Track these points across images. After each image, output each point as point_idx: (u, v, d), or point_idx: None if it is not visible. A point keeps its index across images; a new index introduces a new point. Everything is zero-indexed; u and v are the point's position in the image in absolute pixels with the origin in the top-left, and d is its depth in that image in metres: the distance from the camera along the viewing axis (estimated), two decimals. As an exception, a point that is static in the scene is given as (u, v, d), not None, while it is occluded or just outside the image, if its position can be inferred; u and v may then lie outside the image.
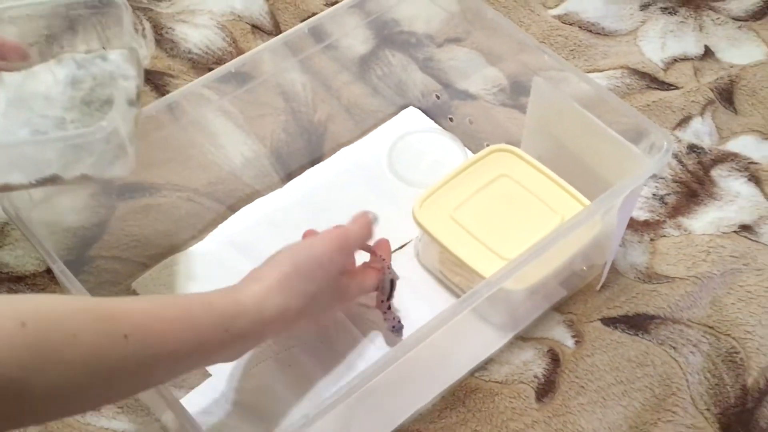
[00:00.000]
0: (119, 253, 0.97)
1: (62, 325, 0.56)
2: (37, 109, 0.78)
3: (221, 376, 0.88)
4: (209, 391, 0.88)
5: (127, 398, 0.69)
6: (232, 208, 1.03)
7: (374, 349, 0.91)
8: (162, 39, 1.19)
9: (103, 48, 0.82)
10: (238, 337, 0.69)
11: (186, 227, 1.00)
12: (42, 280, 0.96)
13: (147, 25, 1.21)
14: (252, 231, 1.01)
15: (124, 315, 0.61)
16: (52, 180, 0.76)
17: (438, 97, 1.11)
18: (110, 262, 0.96)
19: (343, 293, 0.83)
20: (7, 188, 0.77)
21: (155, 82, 1.14)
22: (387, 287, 0.89)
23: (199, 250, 0.99)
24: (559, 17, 1.25)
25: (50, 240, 0.89)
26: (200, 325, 0.66)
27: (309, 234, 0.88)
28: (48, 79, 0.79)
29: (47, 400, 0.55)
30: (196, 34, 1.20)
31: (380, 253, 0.89)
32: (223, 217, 1.02)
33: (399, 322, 0.89)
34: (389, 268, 0.89)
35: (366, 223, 0.85)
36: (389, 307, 0.89)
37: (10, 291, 0.94)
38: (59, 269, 0.79)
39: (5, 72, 0.79)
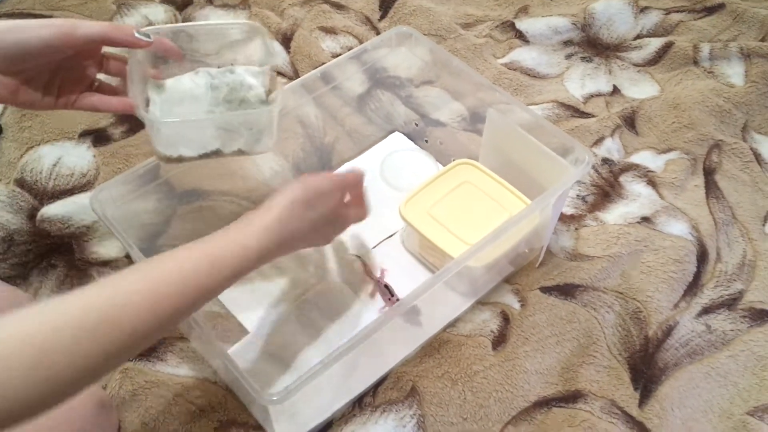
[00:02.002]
0: (180, 242, 0.95)
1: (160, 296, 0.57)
2: (187, 105, 0.78)
3: (257, 334, 0.87)
4: (248, 345, 0.86)
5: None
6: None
7: (370, 313, 0.90)
8: (210, 83, 1.17)
9: (231, 64, 0.80)
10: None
11: (230, 223, 0.99)
12: (122, 264, 0.94)
13: (199, 72, 1.19)
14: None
15: (179, 290, 0.59)
16: (216, 153, 0.77)
17: (416, 125, 1.10)
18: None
19: (342, 222, 0.77)
20: (180, 159, 0.76)
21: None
22: (385, 291, 0.89)
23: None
24: (505, 65, 1.24)
25: (128, 233, 0.88)
26: (223, 281, 0.63)
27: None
28: (191, 84, 0.78)
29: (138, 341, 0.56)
30: (236, 79, 1.18)
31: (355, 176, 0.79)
32: (257, 215, 1.00)
33: None
34: (383, 280, 0.91)
35: (359, 176, 0.78)
36: (397, 299, 0.89)
37: (99, 273, 0.93)
38: (136, 255, 0.78)
39: (158, 80, 0.78)
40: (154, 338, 0.61)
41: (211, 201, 0.98)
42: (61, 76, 0.73)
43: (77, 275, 0.93)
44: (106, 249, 0.96)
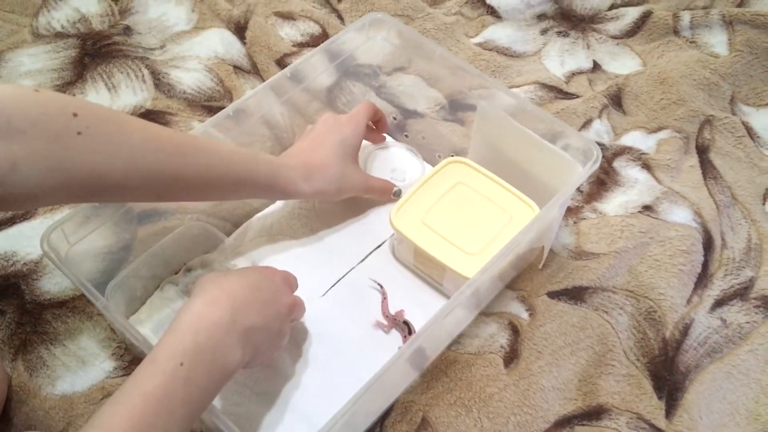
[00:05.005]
0: (143, 271, 0.83)
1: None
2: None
3: (243, 371, 0.77)
4: (234, 384, 0.76)
5: None
6: (236, 224, 0.90)
7: (368, 336, 0.80)
8: (160, 83, 1.04)
9: (184, 264, 0.85)
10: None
11: (198, 243, 0.87)
12: (81, 303, 0.82)
13: (146, 72, 1.05)
14: (253, 241, 0.89)
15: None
16: None
17: (395, 118, 0.99)
18: (136, 280, 0.83)
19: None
20: None
21: (158, 121, 0.99)
22: (405, 328, 0.80)
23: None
24: (479, 44, 1.14)
25: (84, 267, 0.76)
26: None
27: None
28: (164, 304, 0.82)
29: None
30: (188, 77, 1.05)
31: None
32: (228, 233, 0.89)
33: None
34: (398, 318, 0.80)
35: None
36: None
37: (54, 316, 0.81)
38: (101, 306, 0.67)
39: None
40: None
41: (175, 220, 0.86)
42: None
43: (30, 322, 0.80)
44: (59, 287, 0.83)
